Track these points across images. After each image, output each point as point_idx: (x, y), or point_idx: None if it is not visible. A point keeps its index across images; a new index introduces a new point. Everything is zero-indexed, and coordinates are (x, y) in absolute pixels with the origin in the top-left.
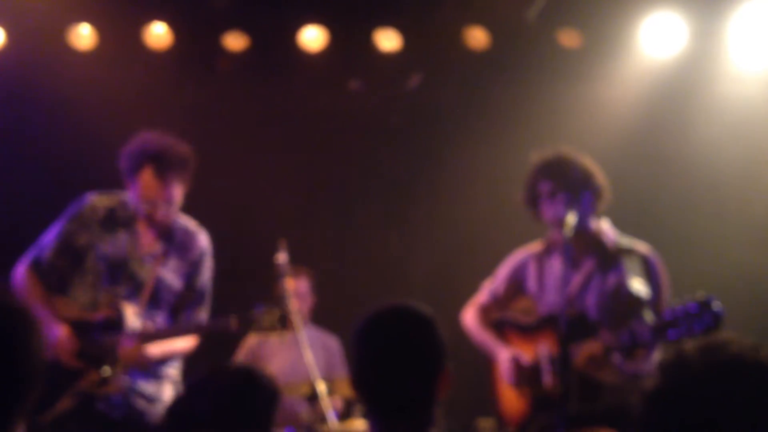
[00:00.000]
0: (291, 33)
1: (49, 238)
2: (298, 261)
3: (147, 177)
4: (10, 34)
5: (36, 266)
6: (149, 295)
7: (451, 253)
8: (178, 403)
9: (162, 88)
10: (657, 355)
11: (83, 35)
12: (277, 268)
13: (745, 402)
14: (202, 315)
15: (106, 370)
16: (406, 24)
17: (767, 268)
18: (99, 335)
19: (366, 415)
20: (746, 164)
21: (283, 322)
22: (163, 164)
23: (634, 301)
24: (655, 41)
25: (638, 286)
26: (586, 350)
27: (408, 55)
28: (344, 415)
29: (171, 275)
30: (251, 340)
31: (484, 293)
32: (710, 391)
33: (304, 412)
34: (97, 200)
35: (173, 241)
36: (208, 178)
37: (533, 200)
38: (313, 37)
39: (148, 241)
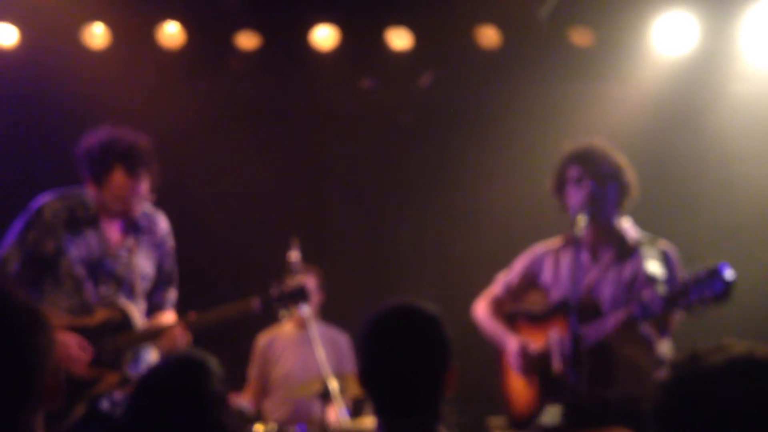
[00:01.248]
0: (303, 32)
1: (8, 247)
2: (310, 258)
3: (118, 176)
4: (24, 32)
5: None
6: (140, 289)
7: (462, 251)
8: (127, 407)
9: (174, 87)
10: (666, 345)
11: (96, 34)
12: (290, 265)
13: (756, 396)
14: (172, 295)
15: (126, 371)
16: (418, 22)
17: None
18: (105, 338)
19: (375, 412)
20: (759, 162)
21: (304, 294)
22: (133, 162)
23: (649, 278)
24: (667, 40)
25: (654, 267)
26: (612, 321)
27: (420, 53)
28: (355, 412)
29: (145, 263)
30: (262, 341)
31: (498, 285)
32: (722, 386)
33: (316, 409)
34: (54, 202)
35: (140, 229)
36: (220, 176)
37: (561, 186)
38: (325, 36)
39: (115, 235)
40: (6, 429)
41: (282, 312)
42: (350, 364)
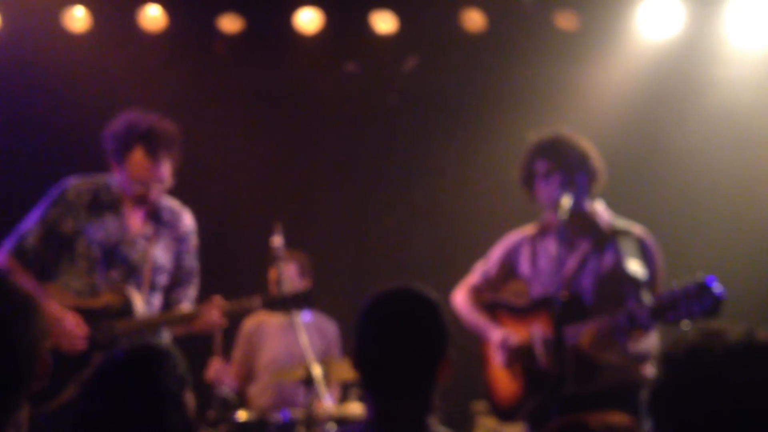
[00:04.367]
0: (286, 15)
1: (31, 224)
2: (293, 244)
3: (138, 157)
4: (5, 15)
5: (19, 254)
6: (149, 278)
7: (448, 236)
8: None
9: (157, 70)
10: (654, 338)
11: (77, 17)
12: (273, 251)
13: (762, 381)
14: (192, 293)
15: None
16: (403, 6)
17: (762, 252)
18: (104, 321)
19: (363, 398)
20: (742, 147)
21: (309, 300)
22: (153, 143)
23: (631, 281)
24: (652, 24)
25: (635, 267)
26: (588, 331)
27: (404, 37)
28: (341, 398)
29: (162, 255)
30: (247, 326)
31: (476, 274)
32: (729, 377)
33: (300, 395)
34: (79, 184)
35: (161, 221)
36: (203, 160)
37: (528, 179)
38: (308, 19)
39: (136, 222)
40: None
41: (284, 313)
42: (337, 351)
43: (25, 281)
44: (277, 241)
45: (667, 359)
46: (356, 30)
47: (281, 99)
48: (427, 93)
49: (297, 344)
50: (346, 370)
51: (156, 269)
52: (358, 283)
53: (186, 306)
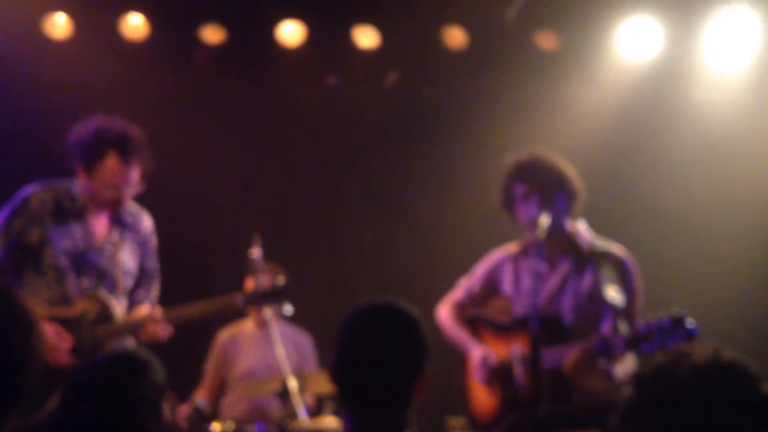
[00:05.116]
0: (269, 27)
1: None
2: (272, 256)
3: (111, 162)
4: None
5: None
6: (122, 283)
7: (425, 251)
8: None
9: (138, 79)
10: (631, 361)
11: (59, 24)
12: (251, 262)
13: (731, 401)
14: (153, 293)
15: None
16: (385, 21)
17: (741, 268)
18: (84, 328)
19: (339, 411)
20: (719, 168)
21: (287, 292)
22: (126, 148)
23: (608, 308)
24: (632, 45)
25: (613, 293)
26: (572, 356)
27: (386, 52)
28: (315, 412)
29: (128, 259)
30: (222, 337)
31: (460, 290)
32: (695, 397)
33: (274, 408)
34: (41, 192)
35: (125, 225)
36: (182, 169)
37: (508, 203)
38: (291, 32)
39: (101, 228)
40: None
41: (266, 308)
42: (312, 364)
43: None
44: (256, 252)
45: (635, 380)
46: (338, 44)
47: (262, 111)
48: (408, 108)
49: (272, 356)
50: (321, 383)
51: (124, 273)
52: (335, 297)
53: (144, 309)
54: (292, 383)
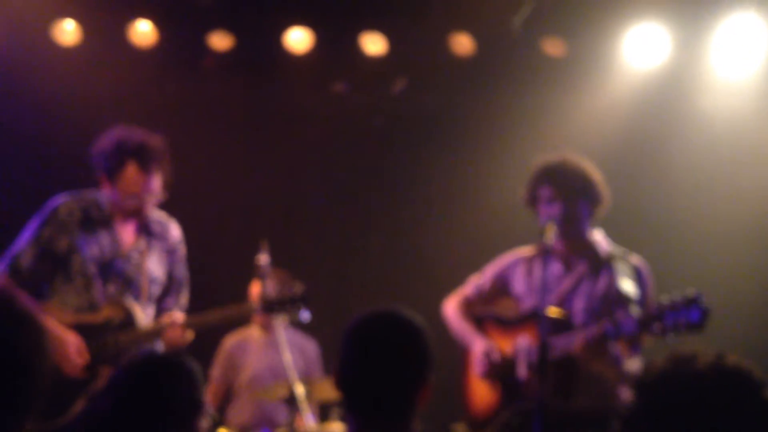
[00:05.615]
0: (277, 34)
1: (23, 244)
2: (279, 262)
3: (131, 172)
4: None
5: (13, 274)
6: (147, 290)
7: (432, 256)
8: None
9: (146, 85)
10: (638, 364)
11: (67, 31)
12: (259, 269)
13: (733, 407)
14: (183, 301)
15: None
16: (392, 28)
17: (748, 275)
18: (107, 334)
19: (344, 417)
20: (727, 175)
21: (305, 300)
22: (145, 157)
23: (622, 298)
24: (639, 52)
25: (627, 286)
26: (580, 339)
27: (393, 59)
28: (321, 418)
29: (156, 267)
30: (228, 343)
31: (470, 286)
32: (698, 403)
33: (281, 414)
34: (70, 202)
35: (152, 234)
36: (190, 176)
37: (532, 202)
38: (298, 39)
39: (128, 236)
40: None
41: (282, 316)
42: (318, 370)
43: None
44: (263, 259)
45: (638, 386)
46: (346, 51)
47: (269, 117)
48: (415, 115)
49: (279, 362)
50: (326, 390)
51: (151, 281)
52: (341, 302)
53: (172, 314)
54: (299, 389)
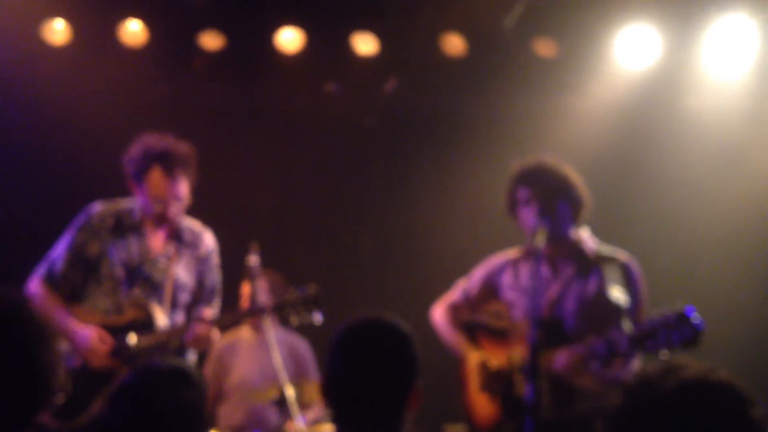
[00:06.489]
0: (268, 34)
1: (60, 250)
2: (270, 263)
3: (155, 176)
4: None
5: (49, 279)
6: (171, 295)
7: (423, 258)
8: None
9: (136, 85)
10: (636, 364)
11: (57, 30)
12: (249, 270)
13: (712, 420)
14: (214, 309)
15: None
16: (384, 28)
17: (739, 275)
18: (129, 336)
19: (334, 422)
20: (718, 175)
21: (317, 302)
22: (170, 162)
23: (613, 308)
24: (630, 53)
25: (618, 294)
26: (562, 357)
27: (385, 59)
28: (313, 420)
29: (184, 273)
30: (218, 345)
31: (456, 292)
32: (677, 411)
33: (272, 416)
34: (104, 209)
35: (182, 241)
36: None
37: (512, 206)
38: (289, 39)
39: (157, 242)
40: None
41: (293, 318)
42: (309, 371)
43: (56, 305)
44: (254, 260)
45: (625, 388)
46: (337, 51)
47: (260, 117)
48: (407, 115)
49: (269, 364)
50: (319, 391)
51: (177, 287)
52: (332, 303)
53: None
54: (290, 391)
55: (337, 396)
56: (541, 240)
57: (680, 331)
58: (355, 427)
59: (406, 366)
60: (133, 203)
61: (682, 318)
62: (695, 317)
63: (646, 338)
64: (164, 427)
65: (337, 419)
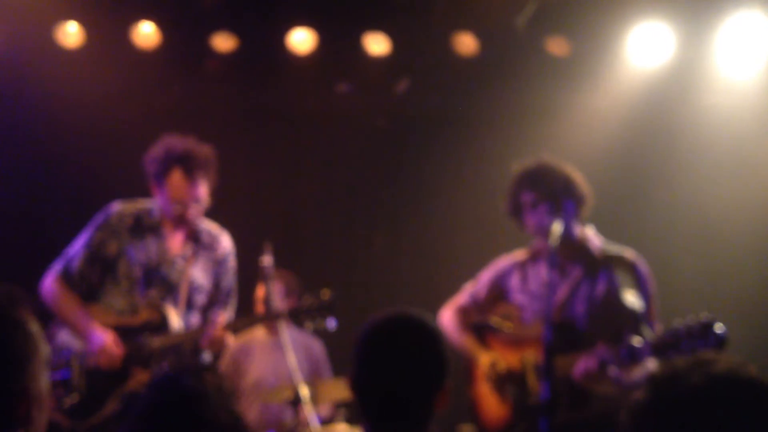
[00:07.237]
0: (280, 35)
1: (78, 247)
2: (283, 263)
3: (176, 178)
4: None
5: (66, 276)
6: (186, 296)
7: (436, 257)
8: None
9: (149, 87)
10: (650, 364)
11: (70, 33)
12: (262, 270)
13: (741, 417)
14: (230, 312)
15: (164, 368)
16: (396, 28)
17: (752, 273)
18: (143, 337)
19: (352, 418)
20: (731, 173)
21: (332, 308)
22: (190, 164)
23: (629, 314)
24: (643, 51)
25: (632, 298)
26: (582, 365)
27: (396, 59)
28: (328, 419)
29: (200, 275)
30: (234, 345)
31: (464, 295)
32: (705, 406)
33: (286, 416)
34: (123, 209)
35: (200, 243)
36: None
37: (516, 211)
38: (301, 39)
39: (175, 243)
40: None
41: (307, 323)
42: (323, 371)
43: (72, 302)
44: (267, 260)
45: (651, 380)
46: (349, 51)
47: (272, 118)
48: (418, 115)
49: (283, 364)
50: (335, 391)
51: (194, 288)
52: (345, 303)
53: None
54: (305, 391)
55: (367, 393)
56: (556, 237)
57: (704, 341)
58: (384, 424)
59: (436, 363)
60: (152, 204)
61: (707, 328)
62: (719, 327)
63: (669, 347)
64: None
65: (365, 416)
